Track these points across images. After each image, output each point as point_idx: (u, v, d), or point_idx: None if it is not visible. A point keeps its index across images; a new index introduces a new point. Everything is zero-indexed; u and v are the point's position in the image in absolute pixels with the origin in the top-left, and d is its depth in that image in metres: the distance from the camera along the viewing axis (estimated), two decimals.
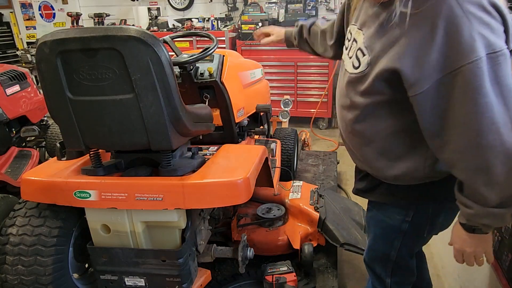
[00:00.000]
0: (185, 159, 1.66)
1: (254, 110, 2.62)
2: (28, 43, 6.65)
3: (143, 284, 1.60)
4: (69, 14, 5.82)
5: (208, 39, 2.16)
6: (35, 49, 1.35)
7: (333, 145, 4.76)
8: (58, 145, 1.77)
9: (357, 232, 2.22)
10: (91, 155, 1.56)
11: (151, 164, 1.63)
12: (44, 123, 3.60)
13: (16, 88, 3.15)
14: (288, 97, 4.25)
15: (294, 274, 1.64)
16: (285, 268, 1.64)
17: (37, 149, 3.49)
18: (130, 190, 1.44)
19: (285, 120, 4.15)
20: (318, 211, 2.28)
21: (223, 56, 2.24)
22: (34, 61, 4.64)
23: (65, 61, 1.32)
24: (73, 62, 1.32)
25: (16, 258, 1.56)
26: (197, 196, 1.41)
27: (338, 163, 3.73)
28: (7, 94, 3.02)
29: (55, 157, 1.78)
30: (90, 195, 1.47)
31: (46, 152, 3.66)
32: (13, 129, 3.23)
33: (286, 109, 4.19)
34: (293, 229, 2.30)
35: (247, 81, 2.55)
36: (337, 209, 2.38)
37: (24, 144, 3.35)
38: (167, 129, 1.38)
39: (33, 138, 3.33)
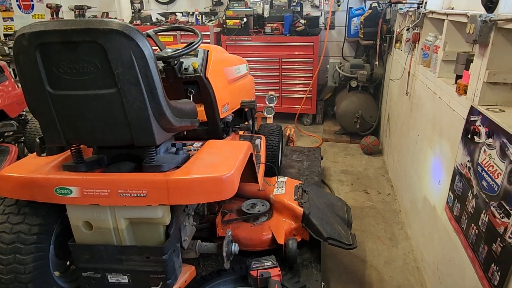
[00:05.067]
0: (170, 155, 1.64)
1: (239, 106, 2.62)
2: (5, 35, 6.44)
3: (126, 281, 1.59)
4: (48, 6, 5.65)
5: (192, 33, 2.13)
6: (13, 41, 1.30)
7: (317, 141, 4.80)
8: (37, 140, 1.72)
9: (341, 227, 2.25)
10: (72, 150, 1.53)
11: (135, 159, 1.61)
12: (22, 118, 3.50)
13: None
14: (273, 93, 4.23)
15: (278, 269, 1.66)
16: (270, 263, 1.65)
17: (16, 144, 3.40)
18: (113, 186, 1.42)
19: (270, 116, 4.14)
20: (302, 206, 2.30)
21: (208, 51, 2.22)
22: (12, 54, 4.49)
23: (45, 54, 1.28)
24: (53, 55, 1.28)
25: None
26: (181, 192, 1.40)
27: (322, 158, 3.77)
28: None
29: (35, 153, 1.74)
30: (71, 192, 1.45)
31: (25, 147, 3.57)
32: None
33: (271, 105, 4.19)
34: (278, 224, 2.31)
35: (231, 77, 2.53)
36: (321, 204, 2.41)
37: (1, 139, 3.25)
38: (150, 125, 1.36)
39: (11, 133, 3.23)
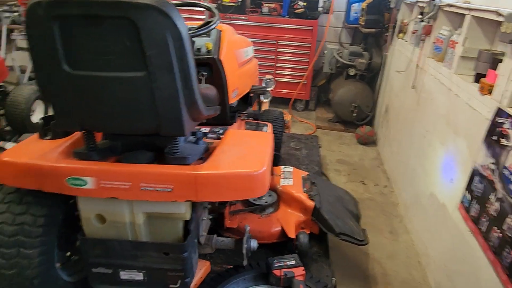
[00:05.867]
0: (190, 145, 1.52)
1: (247, 91, 2.49)
2: None
3: (141, 278, 1.48)
4: None
5: (202, 10, 1.97)
6: (26, 10, 1.12)
7: (311, 127, 4.74)
8: (40, 121, 1.56)
9: (352, 222, 2.21)
10: (85, 136, 1.38)
11: (152, 148, 1.48)
12: (2, 89, 3.22)
13: None
14: (270, 76, 4.10)
15: (302, 268, 1.59)
16: (293, 262, 1.58)
17: None
18: (135, 179, 1.29)
19: (266, 100, 4.03)
20: (312, 200, 2.24)
21: (221, 31, 2.08)
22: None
23: (64, 27, 1.12)
24: (73, 29, 1.12)
25: None
26: (211, 189, 1.30)
27: (320, 147, 3.72)
28: None
29: (37, 135, 1.57)
30: (86, 183, 1.31)
31: (5, 121, 3.31)
32: None
33: (268, 89, 4.07)
34: (286, 217, 2.25)
35: (241, 60, 2.39)
36: (330, 197, 2.36)
37: None
38: (181, 114, 1.23)
39: None
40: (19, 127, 3.24)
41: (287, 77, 5.06)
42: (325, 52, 4.77)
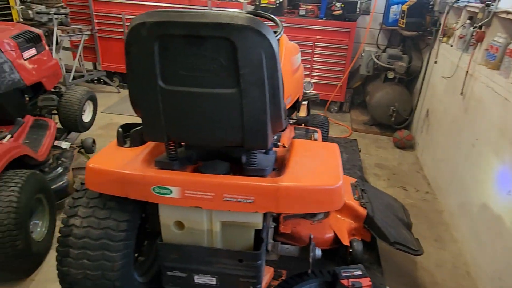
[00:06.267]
0: (262, 155, 1.56)
1: (297, 98, 2.52)
2: None
3: (214, 283, 1.54)
4: None
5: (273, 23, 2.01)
6: (129, 29, 1.18)
7: (346, 130, 4.73)
8: (120, 130, 1.63)
9: (404, 230, 2.22)
10: (169, 147, 1.44)
11: (226, 158, 1.53)
12: (57, 90, 3.35)
13: (33, 51, 2.88)
14: (308, 79, 4.12)
15: (369, 278, 1.62)
16: (360, 272, 1.61)
17: (51, 117, 3.27)
18: (218, 190, 1.34)
19: (305, 103, 4.05)
20: (365, 207, 2.25)
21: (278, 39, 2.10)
22: (36, 19, 4.27)
23: (164, 46, 1.17)
24: (173, 48, 1.17)
25: (81, 251, 1.46)
26: (291, 201, 1.33)
27: (360, 151, 3.72)
28: (24, 58, 2.76)
29: (115, 142, 1.65)
30: (171, 192, 1.37)
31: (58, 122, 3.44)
32: (26, 96, 2.99)
33: (307, 91, 4.09)
34: (338, 223, 2.27)
35: (294, 67, 2.42)
36: (381, 205, 2.36)
37: (39, 112, 3.11)
38: (266, 128, 1.28)
39: (51, 107, 3.09)
40: (71, 126, 3.37)
41: (323, 79, 5.05)
42: (362, 54, 4.74)
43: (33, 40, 2.91)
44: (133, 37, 1.17)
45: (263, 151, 1.62)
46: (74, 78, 4.75)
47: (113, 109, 4.81)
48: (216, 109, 1.25)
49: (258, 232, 1.53)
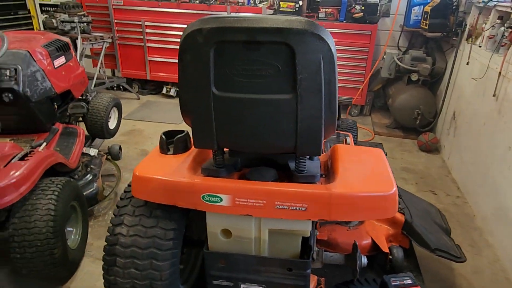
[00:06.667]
0: (308, 161, 1.53)
1: None
2: (41, 5, 6.24)
3: None
4: None
5: None
6: (183, 36, 1.17)
7: (369, 134, 4.67)
8: (163, 137, 1.62)
9: (445, 236, 2.16)
10: (217, 154, 1.42)
11: (271, 164, 1.51)
12: (84, 97, 3.38)
13: (62, 60, 2.91)
14: None
15: (419, 287, 1.58)
16: (410, 281, 1.57)
17: (77, 124, 3.29)
18: (270, 198, 1.32)
19: None
20: (402, 213, 2.20)
21: None
22: (60, 28, 4.32)
23: (220, 53, 1.16)
24: (228, 54, 1.16)
25: (128, 260, 1.44)
26: (345, 208, 1.30)
27: (386, 154, 3.65)
28: (55, 66, 2.78)
29: (157, 149, 1.63)
30: (221, 200, 1.35)
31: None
32: (55, 103, 3.02)
33: None
34: (375, 229, 2.22)
35: None
36: (418, 211, 2.31)
37: (68, 120, 3.14)
38: (320, 135, 1.25)
39: (80, 114, 3.11)
40: (97, 133, 3.39)
41: (344, 82, 5.00)
42: (384, 56, 4.69)
43: (62, 49, 2.93)
44: (188, 44, 1.16)
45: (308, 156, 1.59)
46: (95, 85, 4.79)
47: (134, 116, 4.83)
48: (270, 115, 1.23)
49: (304, 240, 1.50)
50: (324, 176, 1.53)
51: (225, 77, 1.19)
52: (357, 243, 1.71)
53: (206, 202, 1.36)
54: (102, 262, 1.52)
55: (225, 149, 1.55)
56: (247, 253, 1.48)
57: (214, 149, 1.36)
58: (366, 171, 1.46)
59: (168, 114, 4.95)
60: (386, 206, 1.32)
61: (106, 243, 1.50)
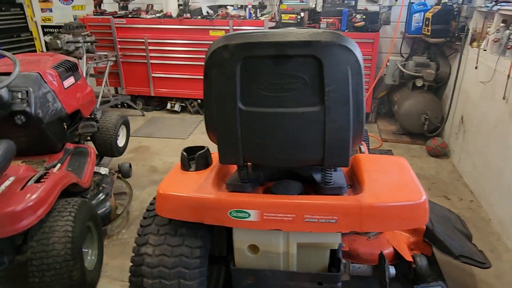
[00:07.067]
0: (334, 173, 1.52)
1: None
2: (43, 27, 6.30)
3: None
4: None
5: None
6: (208, 53, 1.17)
7: (376, 141, 4.66)
8: (184, 153, 1.61)
9: (467, 242, 2.14)
10: (242, 169, 1.41)
11: (295, 177, 1.50)
12: (93, 116, 3.38)
13: (71, 80, 2.92)
14: None
15: None
16: None
17: (85, 143, 3.29)
18: (299, 211, 1.30)
19: None
20: None
21: None
22: (65, 48, 4.35)
23: (247, 68, 1.15)
24: (256, 69, 1.15)
25: (156, 281, 1.42)
26: (376, 219, 1.29)
27: None
28: (65, 87, 2.79)
29: (179, 166, 1.62)
30: (249, 215, 1.33)
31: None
32: (64, 123, 3.01)
33: None
34: (396, 238, 2.19)
35: None
36: (439, 217, 2.29)
37: (78, 140, 3.13)
38: (348, 146, 1.24)
39: (90, 134, 3.11)
40: (106, 151, 3.38)
41: None
42: (387, 64, 4.71)
43: (71, 69, 2.94)
44: (214, 60, 1.16)
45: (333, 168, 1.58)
46: (100, 103, 4.80)
47: (140, 132, 4.83)
48: (298, 128, 1.22)
49: (331, 252, 1.48)
50: (350, 186, 1.52)
51: (252, 92, 1.19)
52: (383, 254, 1.68)
53: (234, 218, 1.34)
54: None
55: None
56: (275, 268, 1.46)
57: (240, 164, 1.34)
58: (393, 180, 1.44)
59: (173, 129, 4.95)
60: (418, 215, 1.30)
61: (131, 264, 1.48)
